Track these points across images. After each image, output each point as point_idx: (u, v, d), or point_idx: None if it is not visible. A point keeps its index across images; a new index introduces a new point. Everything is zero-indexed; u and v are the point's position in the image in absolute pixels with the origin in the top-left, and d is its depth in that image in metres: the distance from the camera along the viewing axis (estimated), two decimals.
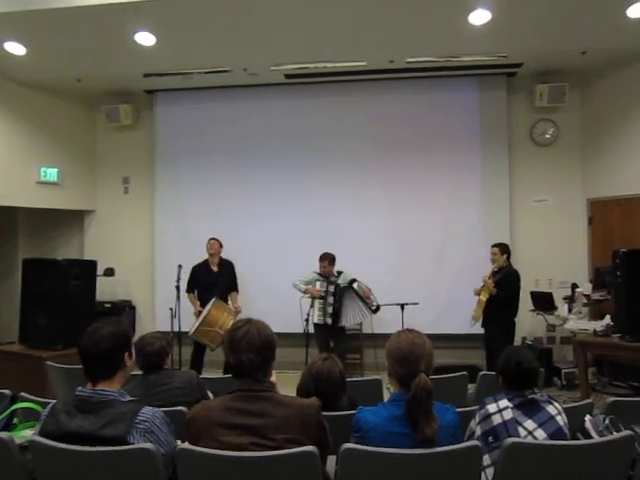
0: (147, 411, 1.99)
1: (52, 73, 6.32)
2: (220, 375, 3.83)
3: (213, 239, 6.26)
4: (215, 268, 6.21)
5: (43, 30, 5.38)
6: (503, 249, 5.53)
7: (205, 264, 6.20)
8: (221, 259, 6.27)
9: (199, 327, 5.63)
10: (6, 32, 5.41)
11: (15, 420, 2.45)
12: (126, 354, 2.11)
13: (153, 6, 4.94)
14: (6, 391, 2.62)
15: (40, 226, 7.65)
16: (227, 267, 6.29)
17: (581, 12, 5.07)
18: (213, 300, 5.76)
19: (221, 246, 6.28)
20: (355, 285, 5.88)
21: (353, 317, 5.94)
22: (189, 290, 6.13)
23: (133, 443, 1.91)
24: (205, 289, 6.00)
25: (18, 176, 6.57)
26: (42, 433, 1.98)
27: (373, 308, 5.90)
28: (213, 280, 6.09)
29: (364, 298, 5.88)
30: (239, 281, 6.43)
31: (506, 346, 2.67)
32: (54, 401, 2.11)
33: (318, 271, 6.03)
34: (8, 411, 2.46)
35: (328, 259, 5.98)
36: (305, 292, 5.94)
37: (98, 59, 5.96)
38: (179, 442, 2.08)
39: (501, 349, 2.59)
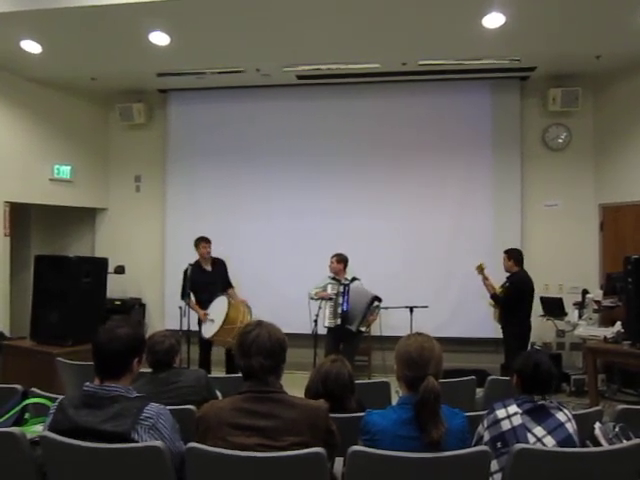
0: (152, 408, 2.01)
1: (67, 71, 6.36)
2: (229, 374, 3.84)
3: (204, 241, 6.03)
4: (209, 267, 6.07)
5: (58, 29, 5.42)
6: (510, 255, 5.51)
7: (197, 265, 5.99)
8: (212, 258, 6.11)
9: (222, 326, 5.45)
10: (22, 30, 5.45)
11: (26, 415, 2.48)
12: (136, 359, 2.12)
13: (167, 6, 4.97)
14: (18, 386, 2.65)
15: (52, 223, 7.70)
16: (220, 265, 6.14)
17: (595, 16, 5.03)
18: (221, 298, 5.70)
19: (209, 242, 6.09)
20: (352, 284, 5.72)
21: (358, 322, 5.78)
22: (185, 295, 5.73)
23: (137, 439, 1.93)
24: (202, 289, 5.85)
25: (32, 173, 6.62)
26: (50, 428, 2.00)
27: (362, 329, 5.72)
28: (209, 279, 5.96)
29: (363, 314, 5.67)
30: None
31: (516, 350, 2.71)
32: (62, 397, 2.14)
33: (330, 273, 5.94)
34: (20, 406, 2.48)
35: (337, 257, 5.84)
36: (315, 296, 5.82)
37: (113, 58, 6.00)
38: None
39: (511, 353, 2.64)
